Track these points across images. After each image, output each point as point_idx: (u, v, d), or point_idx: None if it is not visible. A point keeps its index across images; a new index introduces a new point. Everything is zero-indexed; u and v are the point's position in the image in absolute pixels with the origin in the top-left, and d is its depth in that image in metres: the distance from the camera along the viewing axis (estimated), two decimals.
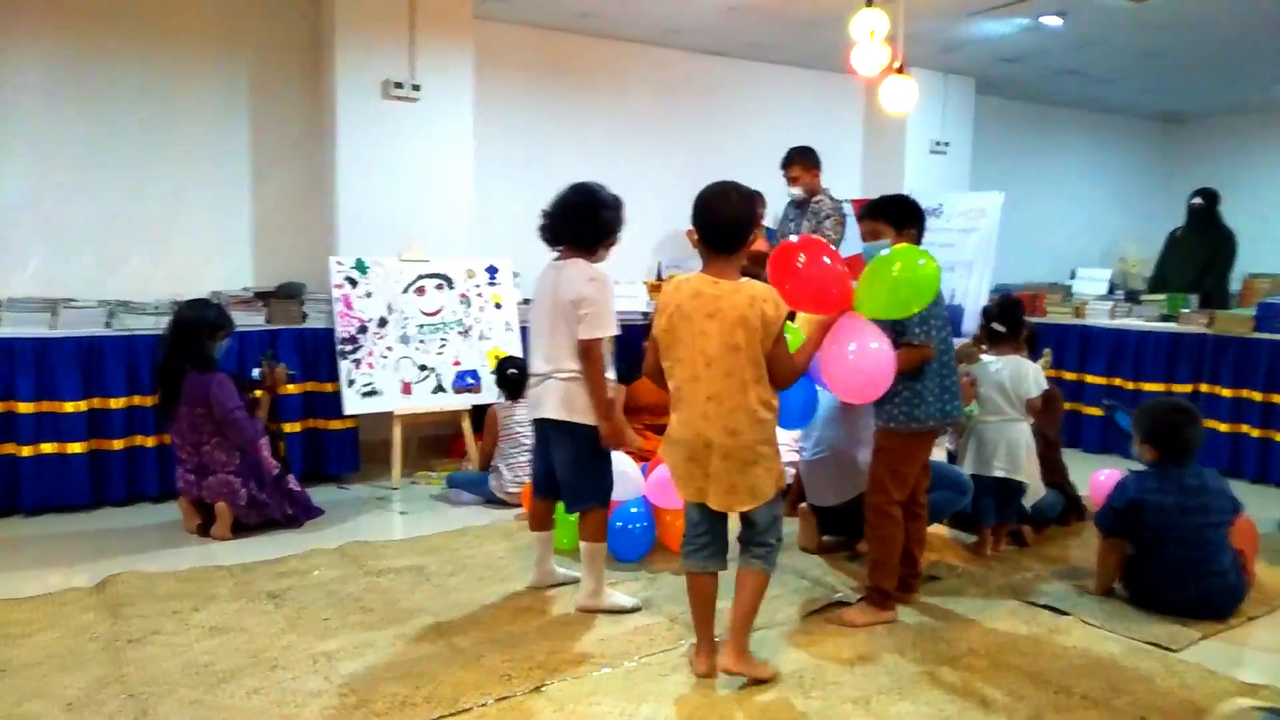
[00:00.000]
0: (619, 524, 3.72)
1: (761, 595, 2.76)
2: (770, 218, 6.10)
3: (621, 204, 3.29)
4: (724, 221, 2.67)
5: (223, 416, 4.01)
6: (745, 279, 2.68)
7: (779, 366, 2.64)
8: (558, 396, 3.18)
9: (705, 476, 2.64)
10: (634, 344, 5.54)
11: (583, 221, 3.21)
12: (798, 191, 5.45)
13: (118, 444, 4.47)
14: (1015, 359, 3.90)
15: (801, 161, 5.42)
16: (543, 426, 3.28)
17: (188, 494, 4.11)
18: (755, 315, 2.57)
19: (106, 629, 3.06)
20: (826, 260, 2.85)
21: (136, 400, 4.50)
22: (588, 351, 3.10)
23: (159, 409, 4.24)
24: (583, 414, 3.15)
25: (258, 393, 4.31)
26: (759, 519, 2.68)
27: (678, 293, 2.67)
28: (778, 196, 5.84)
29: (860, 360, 2.82)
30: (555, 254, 3.30)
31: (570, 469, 3.22)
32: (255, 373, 4.37)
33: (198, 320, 4.10)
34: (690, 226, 2.76)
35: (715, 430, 2.60)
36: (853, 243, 4.35)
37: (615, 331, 3.21)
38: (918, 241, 3.19)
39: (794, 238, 2.89)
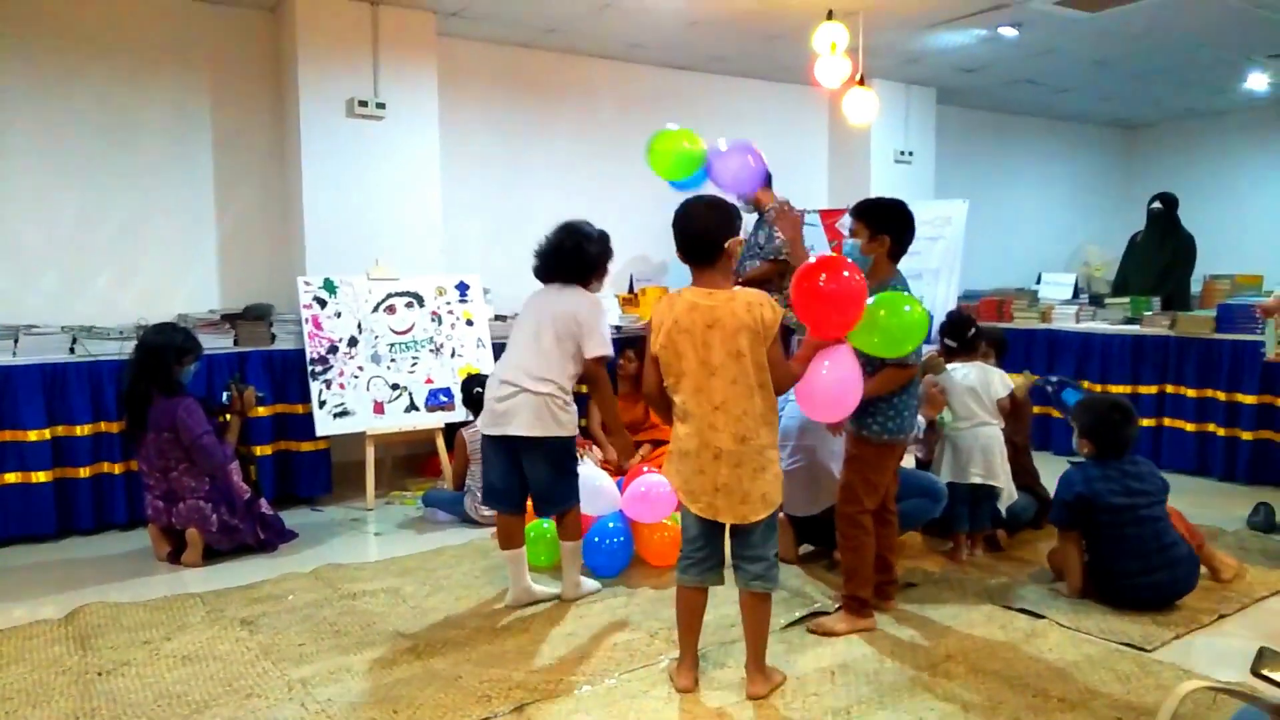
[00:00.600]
0: (596, 539, 3.72)
1: (769, 615, 2.77)
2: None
3: (608, 238, 3.53)
4: (694, 234, 2.70)
5: (191, 442, 3.95)
6: (738, 287, 2.71)
7: (777, 370, 2.66)
8: (531, 412, 3.23)
9: (715, 490, 2.63)
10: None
11: (572, 259, 3.43)
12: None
13: (84, 472, 4.39)
14: (979, 364, 4.00)
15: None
16: (510, 442, 3.31)
17: (157, 521, 4.04)
18: (755, 320, 2.60)
19: (76, 661, 2.99)
20: (847, 275, 2.76)
21: (102, 427, 4.43)
22: (597, 370, 3.35)
23: (126, 435, 4.18)
24: (556, 428, 3.28)
25: (226, 417, 4.25)
26: (756, 530, 2.68)
27: (672, 308, 2.68)
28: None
29: (832, 384, 2.80)
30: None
31: (550, 480, 3.36)
32: (224, 396, 4.31)
33: (164, 345, 4.03)
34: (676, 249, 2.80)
35: (725, 439, 2.60)
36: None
37: (611, 352, 3.41)
38: (894, 247, 3.19)
39: (813, 256, 2.87)
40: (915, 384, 3.23)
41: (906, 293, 3.08)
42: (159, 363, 4.00)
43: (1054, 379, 4.38)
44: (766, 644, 2.76)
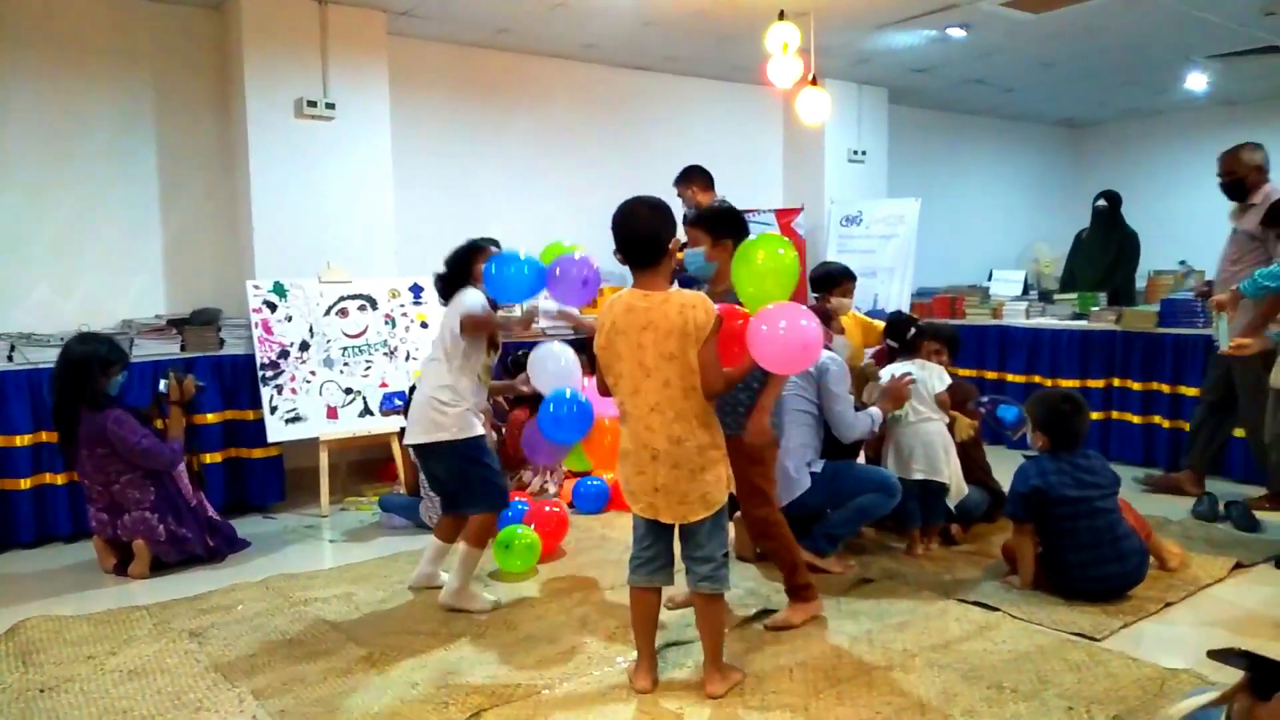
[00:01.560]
0: (552, 408, 3.62)
1: (723, 615, 2.80)
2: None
3: (473, 244, 3.57)
4: (637, 236, 2.70)
5: (131, 451, 3.83)
6: (675, 289, 2.71)
7: (708, 372, 2.64)
8: (416, 417, 3.44)
9: (654, 491, 2.64)
10: None
11: (448, 274, 3.54)
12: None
13: (24, 483, 4.26)
14: (917, 361, 4.08)
15: (699, 180, 5.66)
16: (416, 451, 3.57)
17: (101, 533, 3.93)
18: (687, 322, 2.59)
19: (16, 679, 2.90)
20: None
21: (44, 437, 4.29)
22: (467, 322, 3.37)
23: (61, 450, 4.04)
24: (438, 431, 3.37)
25: (159, 423, 4.10)
26: (701, 530, 2.68)
27: (611, 310, 2.69)
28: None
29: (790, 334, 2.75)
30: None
31: (451, 481, 3.50)
32: (162, 385, 4.14)
33: (88, 356, 3.85)
34: (615, 249, 2.78)
35: (660, 439, 2.61)
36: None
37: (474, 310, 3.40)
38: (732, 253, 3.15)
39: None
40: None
41: None
42: (83, 376, 3.83)
43: (984, 399, 4.44)
44: (722, 643, 2.77)
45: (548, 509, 4.13)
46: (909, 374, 3.93)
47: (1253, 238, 4.47)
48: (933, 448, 3.90)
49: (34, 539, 4.31)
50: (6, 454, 4.23)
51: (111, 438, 3.81)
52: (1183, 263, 7.35)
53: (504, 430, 5.03)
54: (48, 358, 4.33)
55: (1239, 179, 4.58)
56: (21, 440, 4.24)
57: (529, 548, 3.80)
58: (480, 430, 3.43)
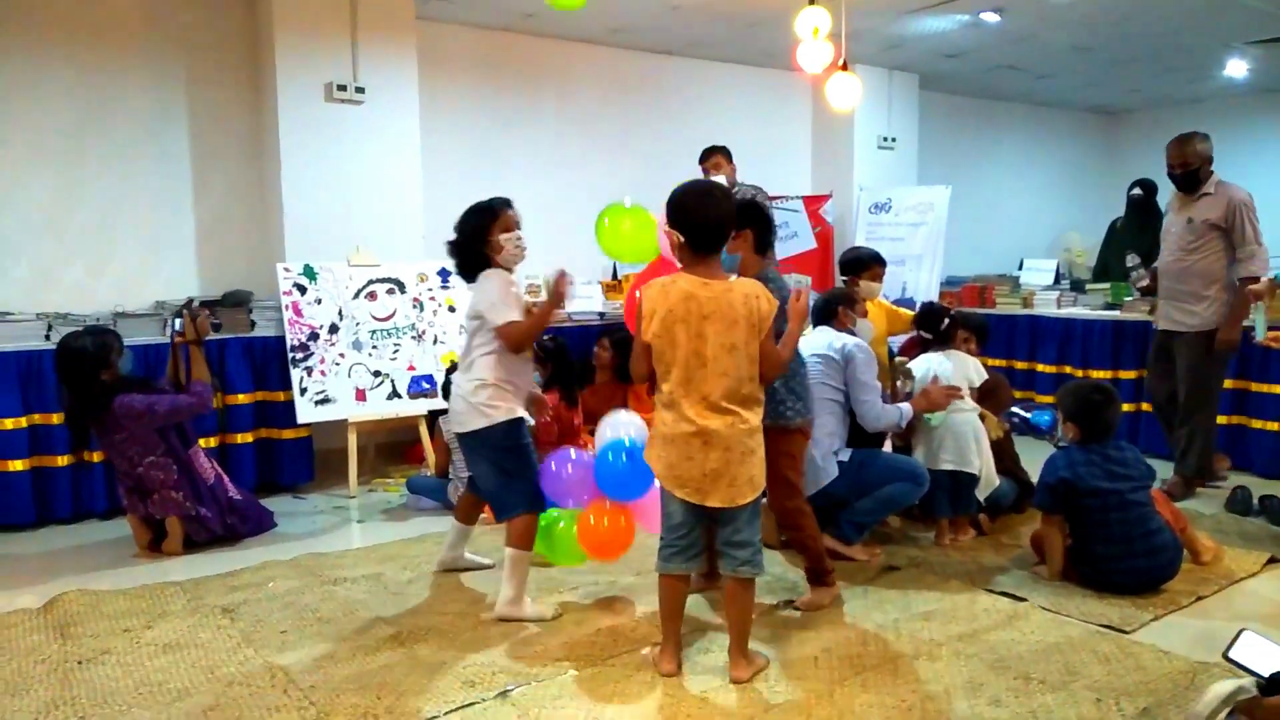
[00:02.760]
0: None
1: (753, 601, 2.80)
2: None
3: (482, 207, 3.28)
4: (711, 220, 2.64)
5: (155, 418, 3.83)
6: (735, 277, 2.70)
7: (768, 361, 2.66)
8: (458, 406, 3.22)
9: (704, 476, 2.62)
10: (590, 346, 5.52)
11: (456, 252, 3.28)
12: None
13: (61, 460, 4.34)
14: (952, 353, 4.02)
15: (722, 153, 5.65)
16: (460, 440, 3.35)
17: (134, 511, 4.00)
18: (752, 313, 2.60)
19: (55, 650, 2.97)
20: None
21: None
22: (507, 333, 3.13)
23: (76, 439, 4.08)
24: (481, 419, 3.14)
25: (176, 366, 4.06)
26: (742, 515, 2.69)
27: (666, 297, 2.63)
28: None
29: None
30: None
31: (488, 479, 3.25)
32: (176, 324, 4.11)
33: (78, 356, 3.80)
34: (668, 227, 2.71)
35: (715, 424, 2.60)
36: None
37: (516, 317, 3.15)
38: (758, 241, 3.19)
39: None
40: (805, 365, 3.29)
41: (782, 286, 3.06)
42: (82, 375, 3.81)
43: (1015, 413, 4.41)
44: (749, 629, 2.77)
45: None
46: (957, 387, 3.87)
47: (1213, 226, 4.42)
48: (963, 439, 3.85)
49: (71, 515, 4.39)
50: (45, 431, 4.31)
51: (129, 421, 3.81)
52: None
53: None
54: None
55: (1193, 170, 4.51)
56: (59, 419, 4.31)
57: (562, 536, 3.72)
58: (519, 413, 3.19)
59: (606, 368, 5.40)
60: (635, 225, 3.30)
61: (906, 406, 3.76)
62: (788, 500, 3.22)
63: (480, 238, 3.21)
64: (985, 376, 4.01)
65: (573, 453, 3.42)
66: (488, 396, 3.13)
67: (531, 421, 3.32)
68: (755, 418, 2.67)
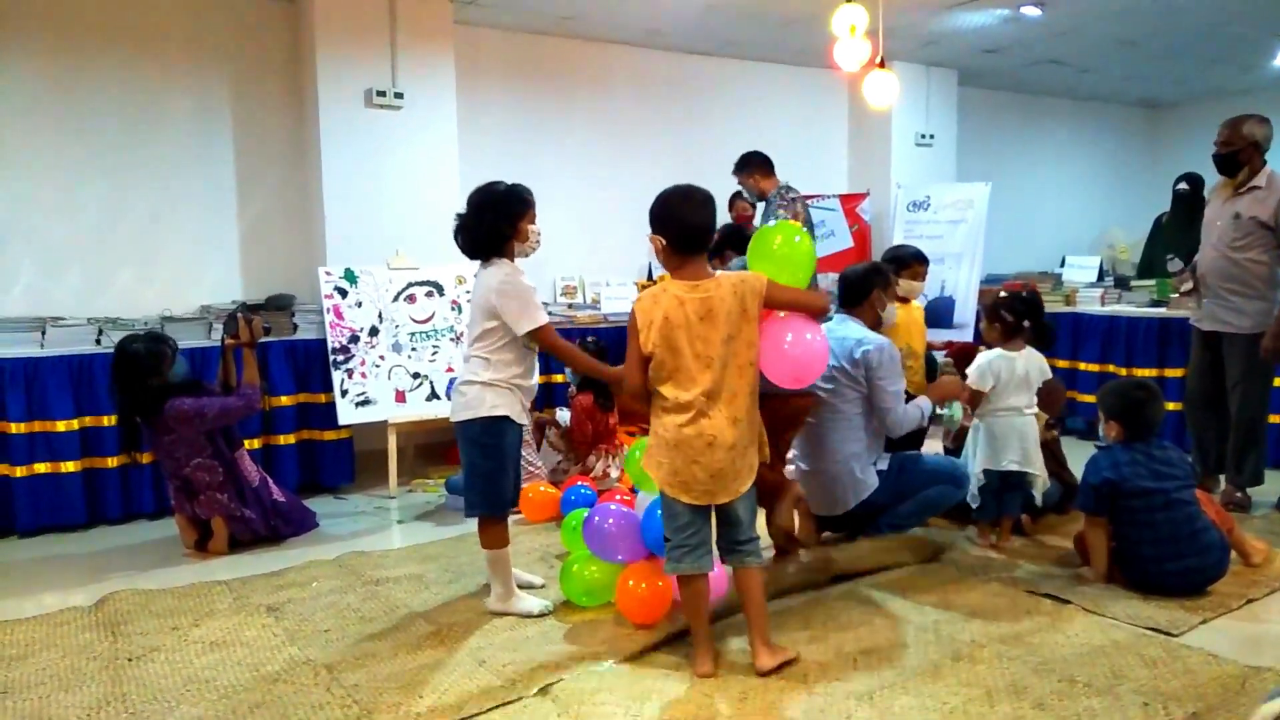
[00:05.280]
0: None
1: (763, 588, 2.82)
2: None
3: (507, 195, 3.20)
4: (698, 223, 2.71)
5: (206, 421, 3.90)
6: (720, 271, 2.75)
7: (799, 303, 2.80)
8: (456, 394, 3.22)
9: (710, 477, 2.65)
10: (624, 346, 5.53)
11: (471, 231, 3.22)
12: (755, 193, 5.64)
13: (111, 462, 4.45)
14: (1029, 351, 3.84)
15: (760, 167, 5.51)
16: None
17: (181, 510, 4.08)
18: (743, 297, 2.66)
19: (106, 647, 3.04)
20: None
21: None
22: (542, 340, 3.18)
23: (126, 440, 4.10)
24: (466, 411, 3.13)
25: (228, 369, 4.14)
26: (742, 513, 2.72)
27: (658, 304, 2.65)
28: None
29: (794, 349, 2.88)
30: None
31: (464, 470, 3.26)
32: (229, 328, 4.21)
33: (132, 358, 3.88)
34: (651, 234, 2.73)
35: (719, 425, 2.63)
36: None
37: (543, 320, 3.15)
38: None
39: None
40: None
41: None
42: (136, 380, 3.88)
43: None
44: (768, 617, 2.81)
45: (618, 498, 4.14)
46: (960, 379, 3.79)
47: (1262, 224, 4.18)
48: (1028, 439, 3.73)
49: (120, 515, 4.49)
50: (95, 433, 4.41)
51: (178, 425, 3.87)
52: None
53: (547, 421, 5.04)
54: None
55: (1234, 151, 4.26)
56: (109, 421, 4.42)
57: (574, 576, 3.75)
58: (504, 412, 3.10)
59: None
60: (784, 239, 3.08)
61: (925, 401, 3.69)
62: (773, 472, 3.35)
63: (513, 222, 3.16)
64: (1049, 375, 3.86)
65: (615, 507, 3.31)
66: (478, 391, 3.11)
67: (525, 422, 3.24)
68: (755, 411, 2.71)
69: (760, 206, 5.72)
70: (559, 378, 5.52)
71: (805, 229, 5.41)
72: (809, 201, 6.98)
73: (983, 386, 3.73)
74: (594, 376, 3.21)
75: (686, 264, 2.69)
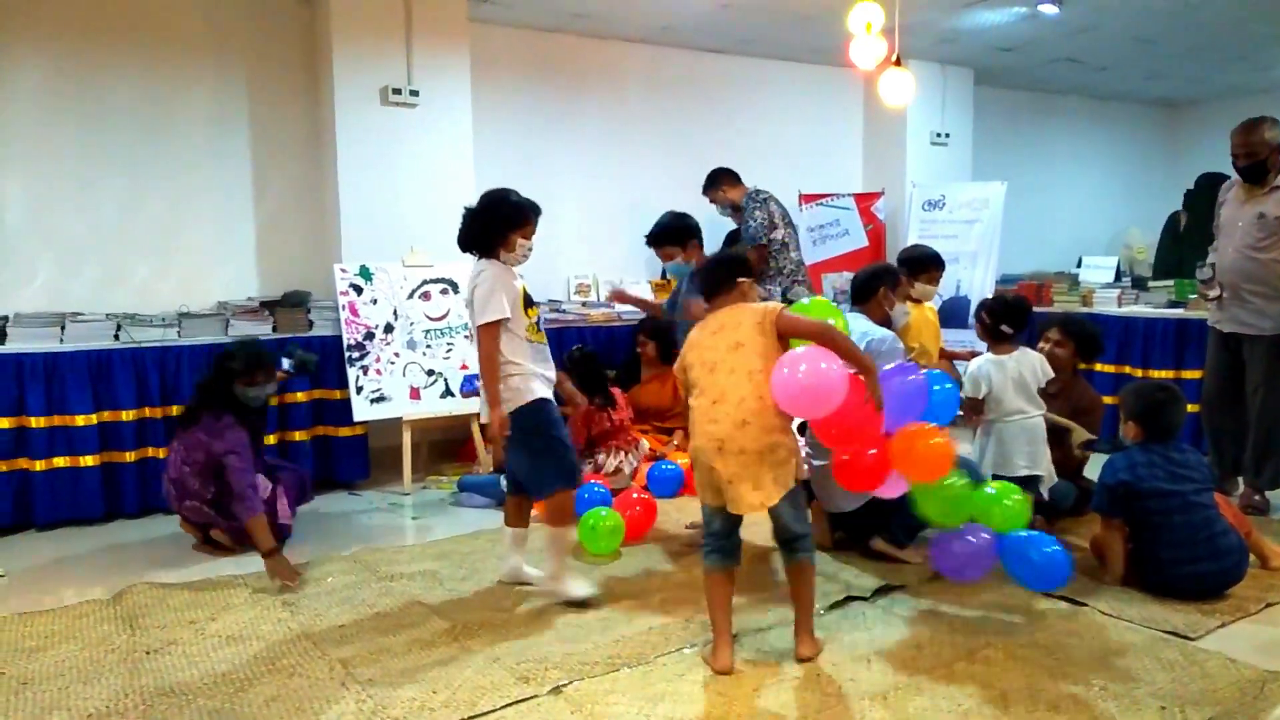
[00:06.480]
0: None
1: (812, 582, 2.91)
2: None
3: (503, 201, 3.40)
4: (713, 274, 3.01)
5: (215, 460, 3.81)
6: (740, 304, 2.90)
7: (817, 337, 2.75)
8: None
9: (727, 482, 2.69)
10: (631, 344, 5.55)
11: (465, 229, 3.43)
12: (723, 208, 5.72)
13: (129, 456, 4.48)
14: (1023, 351, 3.81)
15: (725, 180, 5.59)
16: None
17: (170, 502, 4.00)
18: (762, 318, 2.77)
19: (124, 640, 3.07)
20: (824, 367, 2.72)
21: (147, 412, 4.52)
22: (480, 337, 3.28)
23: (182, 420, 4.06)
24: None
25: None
26: (785, 514, 2.76)
27: (692, 348, 2.87)
28: (783, 193, 5.87)
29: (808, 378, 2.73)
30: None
31: (518, 460, 3.39)
32: (286, 364, 4.31)
33: (224, 365, 3.96)
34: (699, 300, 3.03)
35: (725, 429, 2.68)
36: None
37: (491, 319, 3.23)
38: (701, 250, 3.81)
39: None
40: None
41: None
42: (220, 383, 3.94)
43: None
44: (814, 609, 2.89)
45: (635, 495, 4.16)
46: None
47: None
48: (1036, 441, 3.70)
49: (138, 510, 4.52)
50: (113, 428, 4.45)
51: (204, 438, 3.82)
52: None
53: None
54: (151, 337, 4.57)
55: (1261, 160, 4.16)
56: (127, 415, 4.46)
57: (613, 530, 3.82)
58: (540, 394, 3.25)
59: (653, 361, 5.41)
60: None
61: None
62: None
63: (503, 231, 3.33)
64: (1051, 375, 3.80)
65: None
66: (515, 384, 3.23)
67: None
68: (770, 416, 2.69)
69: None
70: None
71: (781, 224, 5.46)
72: (823, 201, 6.97)
73: (976, 393, 3.72)
74: (488, 401, 3.24)
75: (713, 307, 2.94)
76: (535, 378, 3.28)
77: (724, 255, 3.45)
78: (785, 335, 2.77)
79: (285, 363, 4.32)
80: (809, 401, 2.75)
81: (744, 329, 2.76)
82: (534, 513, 3.61)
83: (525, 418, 3.24)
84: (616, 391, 5.08)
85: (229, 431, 3.83)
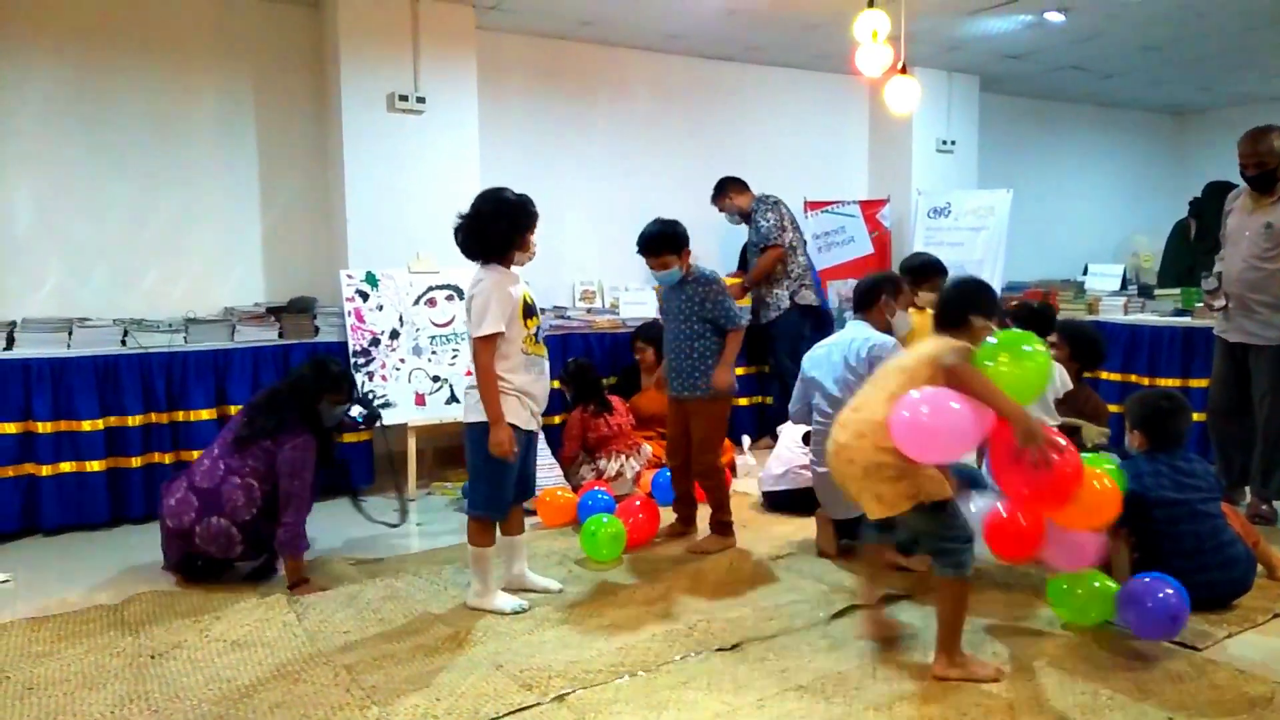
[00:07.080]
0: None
1: (952, 600, 2.78)
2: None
3: (505, 205, 3.31)
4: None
5: (284, 482, 3.55)
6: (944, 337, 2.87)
7: (982, 396, 2.65)
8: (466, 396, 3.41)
9: (842, 484, 2.88)
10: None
11: (467, 234, 3.33)
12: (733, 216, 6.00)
13: (136, 461, 4.49)
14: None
15: (732, 187, 5.93)
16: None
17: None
18: (938, 352, 2.75)
19: (129, 645, 3.07)
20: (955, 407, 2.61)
21: (153, 418, 4.53)
22: (474, 350, 3.22)
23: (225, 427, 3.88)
24: (474, 413, 3.28)
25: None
26: (914, 526, 2.85)
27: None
28: (789, 200, 5.88)
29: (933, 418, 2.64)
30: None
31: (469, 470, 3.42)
32: (356, 413, 4.03)
33: (305, 377, 3.73)
34: None
35: (845, 437, 2.79)
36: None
37: (486, 332, 3.17)
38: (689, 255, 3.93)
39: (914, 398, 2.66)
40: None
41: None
42: (302, 394, 3.68)
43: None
44: (953, 629, 2.76)
45: (638, 503, 4.15)
46: None
47: None
48: None
49: (144, 515, 4.53)
50: (120, 434, 4.46)
51: (283, 458, 3.55)
52: None
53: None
54: (158, 342, 4.58)
55: (1270, 170, 4.14)
56: (133, 421, 4.47)
57: (614, 537, 3.83)
58: (509, 418, 3.17)
59: (652, 367, 5.39)
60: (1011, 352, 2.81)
61: None
62: (709, 456, 3.95)
63: (522, 231, 3.31)
64: (1070, 386, 3.75)
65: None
66: (479, 397, 3.22)
67: (535, 428, 3.40)
68: (889, 441, 2.65)
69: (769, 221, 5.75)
70: (554, 384, 5.51)
71: (790, 228, 5.44)
72: (828, 208, 6.97)
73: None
74: (489, 416, 3.17)
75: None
76: (514, 397, 3.23)
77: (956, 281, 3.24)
78: (952, 388, 2.63)
79: (355, 410, 3.98)
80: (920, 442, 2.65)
81: (920, 354, 2.78)
82: (533, 519, 3.60)
83: (481, 434, 3.20)
84: (615, 398, 5.08)
85: (309, 454, 3.56)
